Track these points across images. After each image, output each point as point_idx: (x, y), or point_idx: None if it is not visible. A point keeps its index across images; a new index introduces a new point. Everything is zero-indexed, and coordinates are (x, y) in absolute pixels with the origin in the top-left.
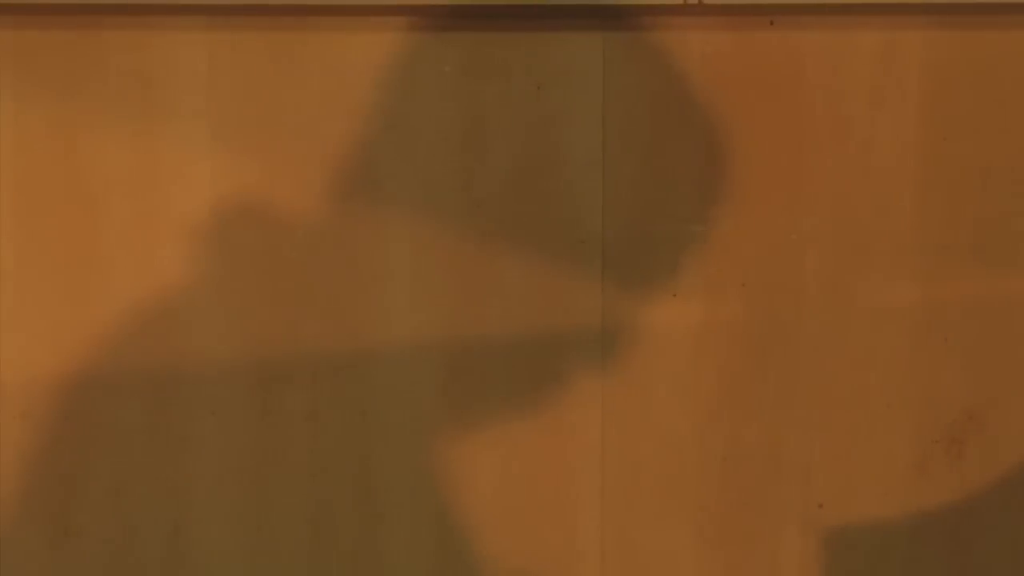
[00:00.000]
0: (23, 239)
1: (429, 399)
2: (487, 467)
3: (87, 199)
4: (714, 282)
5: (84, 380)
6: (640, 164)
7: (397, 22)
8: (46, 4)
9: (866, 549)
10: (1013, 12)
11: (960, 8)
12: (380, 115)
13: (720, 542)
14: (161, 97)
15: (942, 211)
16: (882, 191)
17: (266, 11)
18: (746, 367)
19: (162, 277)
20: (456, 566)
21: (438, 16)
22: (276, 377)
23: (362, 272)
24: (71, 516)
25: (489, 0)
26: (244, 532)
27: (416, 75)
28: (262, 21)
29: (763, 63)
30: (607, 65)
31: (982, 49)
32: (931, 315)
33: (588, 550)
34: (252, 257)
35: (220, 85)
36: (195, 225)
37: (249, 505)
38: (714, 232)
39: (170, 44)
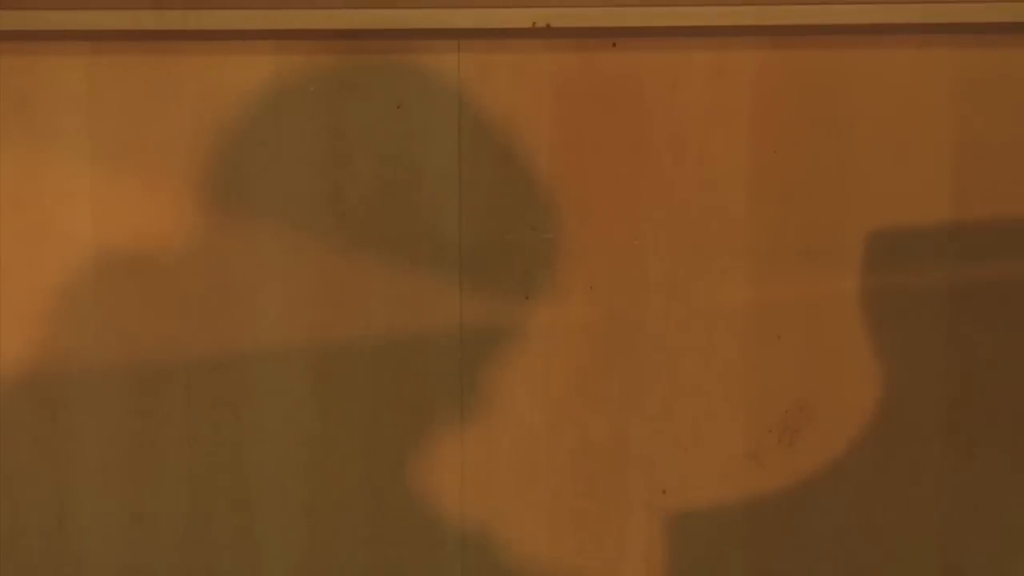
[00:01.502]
0: None
1: (299, 397)
2: (354, 460)
3: None
4: (563, 285)
5: None
6: (494, 177)
7: (265, 46)
8: None
9: (706, 531)
10: (831, 33)
11: (786, 30)
12: (251, 133)
13: (572, 527)
14: (44, 118)
15: (772, 218)
16: (716, 200)
17: (143, 36)
18: (594, 364)
19: (47, 286)
20: (325, 554)
21: (302, 40)
22: (155, 378)
23: (235, 279)
24: None
25: (351, 25)
26: (125, 523)
27: (284, 95)
28: (139, 46)
29: (606, 82)
30: (462, 84)
31: (807, 68)
32: (763, 314)
33: (449, 536)
34: (131, 267)
35: (100, 106)
36: (77, 237)
37: (129, 498)
38: (562, 239)
39: (53, 68)
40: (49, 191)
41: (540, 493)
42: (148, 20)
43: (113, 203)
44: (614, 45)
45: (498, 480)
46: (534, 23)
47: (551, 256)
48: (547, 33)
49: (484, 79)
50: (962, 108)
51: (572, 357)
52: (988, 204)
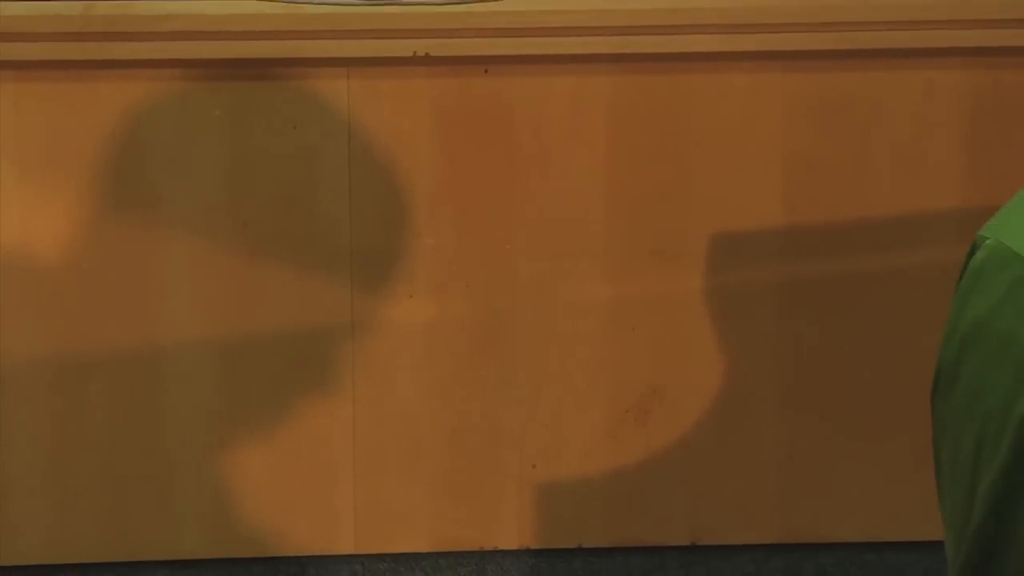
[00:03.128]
0: None
1: (208, 389)
2: (257, 442)
3: None
4: (443, 285)
5: None
6: (381, 189)
7: (172, 73)
8: None
9: (571, 501)
10: (677, 60)
11: (637, 57)
12: (161, 152)
13: (452, 499)
14: None
15: (626, 224)
16: (577, 208)
17: (62, 66)
18: (471, 354)
19: None
20: (235, 527)
21: (207, 68)
22: (77, 372)
23: (150, 282)
24: None
25: (250, 55)
26: (51, 502)
27: (190, 118)
28: (60, 74)
29: (480, 104)
30: (351, 107)
31: (656, 91)
32: (620, 309)
33: (343, 510)
34: (56, 273)
35: (27, 130)
36: (5, 245)
37: (54, 483)
38: (442, 244)
39: None
40: None
41: (424, 469)
42: (70, 51)
43: (40, 214)
44: (486, 71)
45: (386, 459)
46: (415, 52)
47: (432, 259)
48: (426, 61)
49: (371, 102)
50: (791, 126)
51: (451, 349)
52: (814, 211)
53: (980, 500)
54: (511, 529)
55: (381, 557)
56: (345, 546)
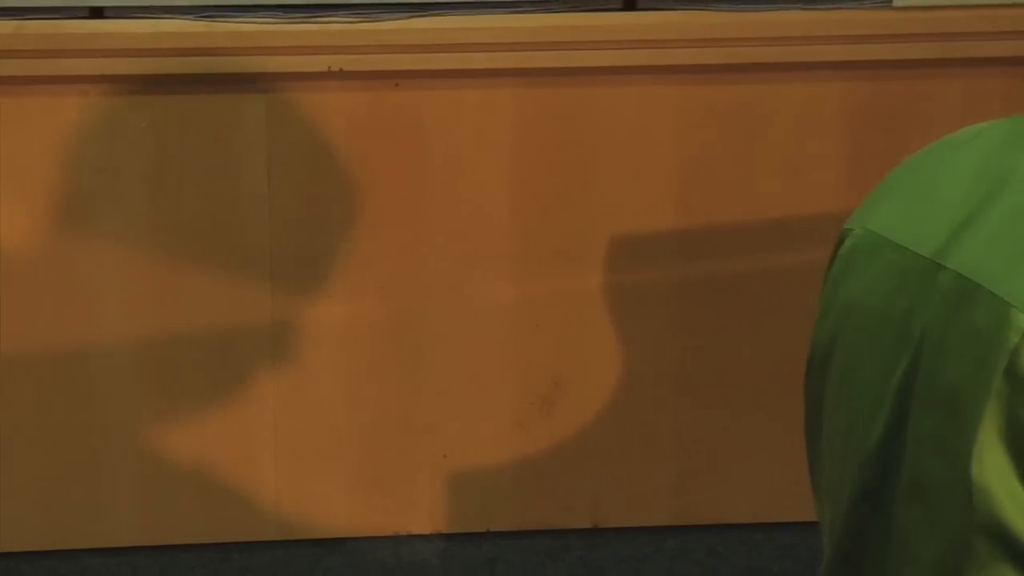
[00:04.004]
0: None
1: (136, 385)
2: (184, 434)
3: None
4: (358, 286)
5: None
6: (298, 196)
7: (102, 88)
8: None
9: (480, 488)
10: (576, 74)
11: (539, 72)
12: (90, 162)
13: (369, 487)
14: None
15: (530, 227)
16: (484, 213)
17: (3, 81)
18: (386, 351)
19: None
20: (163, 516)
21: (133, 84)
22: (11, 370)
23: (81, 284)
24: None
25: (173, 71)
26: None
27: (117, 130)
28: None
29: (391, 116)
30: (270, 119)
31: (557, 103)
32: (525, 307)
33: (266, 499)
34: None
35: None
36: None
37: None
38: (357, 247)
39: None
40: None
41: (342, 459)
42: (3, 67)
43: None
44: (397, 85)
45: (306, 450)
46: (329, 67)
47: (348, 262)
48: (340, 76)
49: (288, 114)
50: (683, 134)
51: (367, 345)
52: (705, 213)
53: (860, 465)
54: (424, 515)
55: (302, 543)
56: (268, 532)
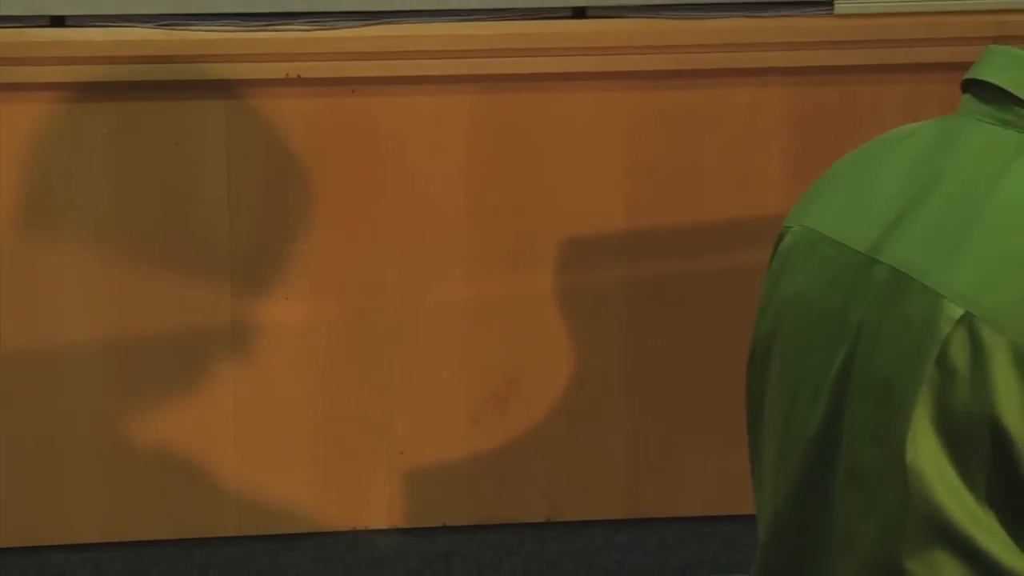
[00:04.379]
0: None
1: (99, 383)
2: (147, 435)
3: None
4: (317, 287)
5: None
6: (258, 199)
7: (64, 95)
8: None
9: (436, 483)
10: (528, 80)
11: (492, 78)
12: (54, 167)
13: (327, 483)
14: None
15: (484, 230)
16: (439, 216)
17: None
18: (343, 351)
19: None
20: (126, 512)
21: (96, 90)
22: None
23: (45, 287)
24: None
25: (134, 77)
26: None
27: (79, 136)
28: None
29: (347, 121)
30: (229, 125)
31: (510, 109)
32: (479, 307)
33: (226, 495)
34: None
35: None
36: None
37: None
38: (316, 250)
39: None
40: None
41: (301, 456)
42: None
43: None
44: (353, 92)
45: (266, 448)
46: (287, 74)
47: (306, 264)
48: (298, 82)
49: (247, 120)
50: (632, 139)
51: (325, 346)
52: (654, 216)
53: (800, 455)
54: (381, 510)
55: (261, 538)
56: (228, 528)
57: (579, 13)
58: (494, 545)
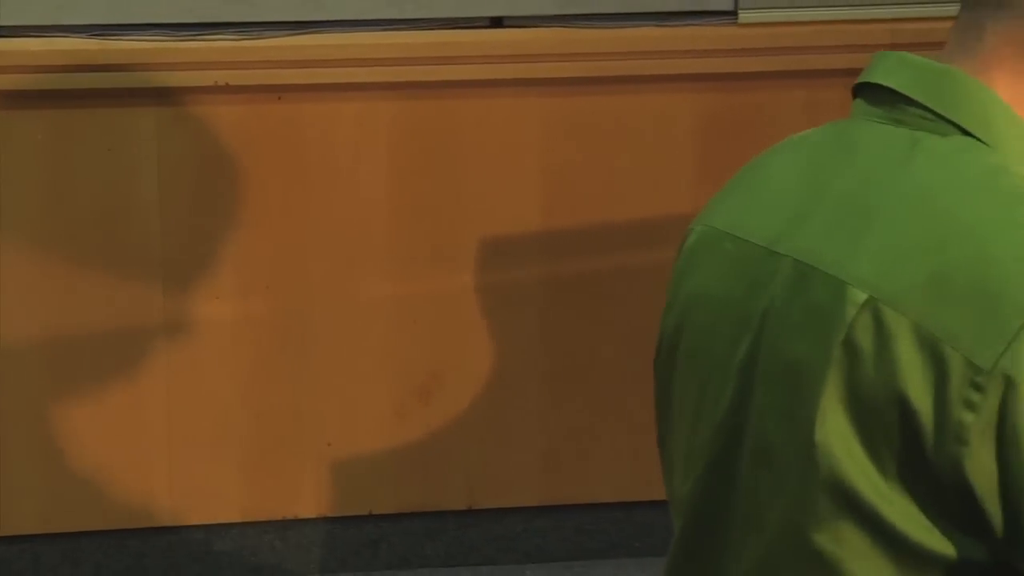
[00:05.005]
0: None
1: (36, 381)
2: (81, 428)
3: None
4: (246, 286)
5: None
6: (188, 203)
7: (0, 103)
8: None
9: (363, 473)
10: (448, 87)
11: (413, 85)
12: None
13: (259, 475)
14: None
15: (406, 230)
16: (364, 217)
17: None
18: (272, 348)
19: None
20: (64, 505)
21: (30, 98)
22: None
23: None
24: None
25: (68, 86)
26: None
27: (14, 142)
28: None
29: (274, 127)
30: (160, 131)
31: (430, 115)
32: (403, 304)
33: (160, 487)
34: None
35: None
36: None
37: None
38: (245, 250)
39: None
40: None
41: (232, 449)
42: None
43: None
44: (280, 98)
45: (198, 441)
46: (215, 82)
47: (235, 264)
48: (226, 90)
49: (178, 125)
50: (548, 143)
51: (255, 341)
52: (568, 217)
53: (709, 440)
54: (310, 500)
55: (194, 528)
56: (162, 519)
57: (496, 22)
58: (418, 532)
